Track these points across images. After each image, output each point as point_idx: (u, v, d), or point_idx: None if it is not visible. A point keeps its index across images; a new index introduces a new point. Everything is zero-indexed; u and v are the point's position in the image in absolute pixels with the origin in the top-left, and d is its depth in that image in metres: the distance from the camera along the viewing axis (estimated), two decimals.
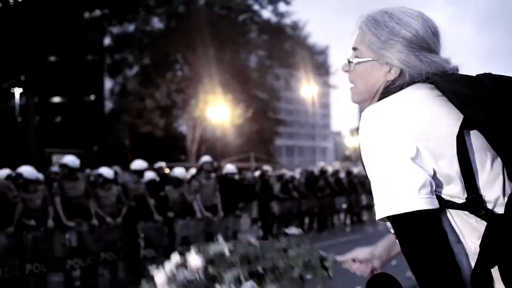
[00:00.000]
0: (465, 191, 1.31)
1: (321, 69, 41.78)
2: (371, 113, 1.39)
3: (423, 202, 1.26)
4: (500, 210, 1.32)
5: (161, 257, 8.95)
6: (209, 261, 1.88)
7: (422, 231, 1.27)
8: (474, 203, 1.31)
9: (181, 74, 36.95)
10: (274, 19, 38.66)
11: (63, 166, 8.97)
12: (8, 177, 9.06)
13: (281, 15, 38.30)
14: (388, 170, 1.30)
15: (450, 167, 1.31)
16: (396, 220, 1.28)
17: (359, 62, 1.53)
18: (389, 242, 1.93)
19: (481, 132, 1.33)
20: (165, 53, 34.75)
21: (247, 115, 35.68)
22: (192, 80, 34.32)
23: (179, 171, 10.58)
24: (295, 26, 39.57)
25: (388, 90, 1.48)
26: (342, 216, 17.49)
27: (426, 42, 1.47)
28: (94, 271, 8.46)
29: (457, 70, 1.49)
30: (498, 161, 1.35)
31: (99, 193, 9.07)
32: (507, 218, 1.28)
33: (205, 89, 32.21)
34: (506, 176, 1.35)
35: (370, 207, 17.62)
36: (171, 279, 1.82)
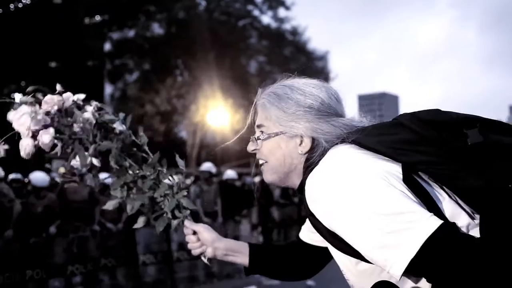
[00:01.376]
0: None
1: (321, 74, 41.82)
2: (321, 174, 1.32)
3: (434, 219, 1.19)
4: (475, 233, 1.27)
5: (160, 263, 8.98)
6: None
7: (459, 240, 1.18)
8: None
9: (181, 80, 36.97)
10: (274, 24, 38.70)
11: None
12: (12, 180, 9.13)
13: (281, 20, 38.35)
14: (385, 203, 1.21)
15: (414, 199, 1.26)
16: (424, 250, 1.15)
17: (266, 138, 1.51)
18: (237, 248, 1.94)
19: (423, 171, 1.31)
20: (165, 58, 34.79)
21: (247, 121, 35.68)
22: (192, 86, 34.34)
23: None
24: (295, 32, 39.60)
25: (310, 161, 1.43)
26: None
27: (333, 108, 1.48)
28: (94, 277, 8.45)
29: (365, 125, 1.47)
30: (450, 193, 1.32)
31: (99, 199, 9.08)
32: (486, 240, 1.22)
33: (205, 95, 32.23)
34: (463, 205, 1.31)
35: None
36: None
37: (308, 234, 1.86)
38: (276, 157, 1.51)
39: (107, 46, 39.16)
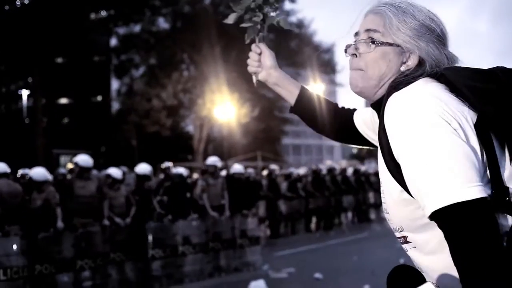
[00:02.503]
0: (491, 185, 1.27)
1: (327, 67, 41.71)
2: (407, 98, 1.33)
3: (479, 189, 1.20)
4: None
5: (169, 257, 9.02)
6: None
7: (484, 222, 1.18)
8: (500, 197, 1.27)
9: (187, 74, 36.98)
10: (279, 17, 38.64)
11: (75, 164, 9.02)
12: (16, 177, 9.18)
13: (286, 13, 38.24)
14: (444, 153, 1.23)
15: (478, 157, 1.26)
16: (451, 210, 1.19)
17: (381, 44, 1.48)
18: (288, 84, 2.02)
19: (497, 127, 1.31)
20: (171, 53, 34.79)
21: (254, 114, 35.66)
22: (199, 80, 34.34)
23: (181, 171, 10.61)
24: (300, 24, 39.50)
25: (405, 79, 1.44)
26: (349, 214, 17.46)
27: (446, 38, 1.50)
28: (103, 272, 8.49)
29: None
30: None
31: (108, 193, 9.13)
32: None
33: (212, 89, 32.22)
34: None
35: (377, 205, 17.60)
36: None
37: (361, 121, 1.89)
38: (379, 67, 1.49)
39: (113, 41, 39.24)
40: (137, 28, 36.47)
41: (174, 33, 35.02)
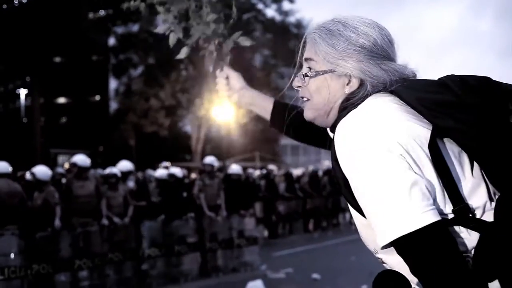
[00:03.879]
0: (450, 203, 1.24)
1: None
2: (351, 126, 1.30)
3: (431, 214, 1.18)
4: (489, 217, 1.26)
5: (165, 256, 9.02)
6: None
7: (438, 245, 1.18)
8: (462, 214, 1.24)
9: (185, 74, 36.97)
10: (278, 17, 38.63)
11: (73, 165, 9.01)
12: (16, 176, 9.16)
13: (285, 13, 38.27)
14: (389, 185, 1.20)
15: (432, 181, 1.24)
16: (405, 240, 1.18)
17: (315, 74, 1.45)
18: (262, 101, 2.01)
19: (453, 139, 1.27)
20: (170, 53, 34.72)
21: (252, 114, 35.68)
22: (197, 80, 34.33)
23: (176, 171, 10.61)
24: (299, 25, 39.50)
25: (349, 102, 1.40)
26: (347, 215, 17.45)
27: (385, 50, 1.42)
28: (101, 272, 8.48)
29: (415, 75, 1.44)
30: (477, 166, 1.29)
31: (106, 193, 9.12)
32: (498, 225, 1.22)
33: (210, 89, 32.20)
34: (488, 181, 1.29)
35: None
36: None
37: None
38: (322, 95, 1.46)
39: (112, 41, 39.19)
40: (135, 27, 36.45)
41: None
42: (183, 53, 2.08)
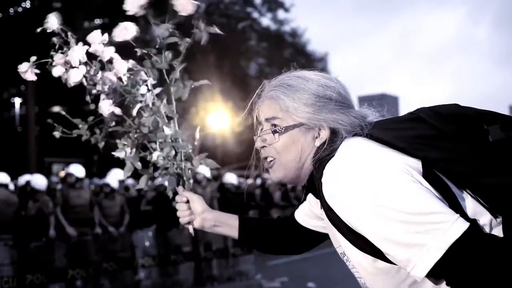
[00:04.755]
0: None
1: None
2: (344, 169, 1.27)
3: (460, 222, 1.16)
4: (497, 232, 1.26)
5: (158, 266, 8.97)
6: None
7: (481, 246, 1.15)
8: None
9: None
10: (273, 26, 38.79)
11: (69, 175, 8.99)
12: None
13: (280, 22, 38.44)
14: (415, 205, 1.16)
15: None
16: (447, 255, 1.13)
17: (285, 130, 1.43)
18: (226, 220, 1.92)
19: (442, 168, 1.27)
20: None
21: (247, 123, 35.69)
22: (192, 88, 34.35)
23: None
24: (294, 33, 39.68)
25: (324, 153, 1.38)
26: None
27: (348, 100, 1.45)
28: (95, 281, 8.43)
29: (379, 118, 1.45)
30: None
31: (103, 202, 9.09)
32: (509, 240, 1.21)
33: (205, 97, 32.22)
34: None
35: None
36: None
37: (304, 217, 1.82)
38: (291, 151, 1.44)
39: None
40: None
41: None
42: (143, 182, 2.07)
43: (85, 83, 2.02)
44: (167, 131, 1.97)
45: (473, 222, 1.19)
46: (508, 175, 1.24)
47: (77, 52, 1.81)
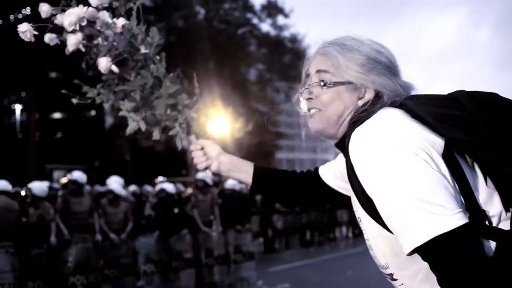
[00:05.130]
0: (467, 210, 1.25)
1: None
2: (370, 134, 1.32)
3: (460, 216, 1.19)
4: (505, 226, 1.27)
5: (160, 272, 8.95)
6: None
7: (468, 247, 1.18)
8: (478, 222, 1.25)
9: (181, 88, 37.04)
10: (273, 32, 38.82)
11: (72, 182, 8.97)
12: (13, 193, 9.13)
13: (280, 28, 38.46)
14: (416, 187, 1.20)
15: (449, 184, 1.24)
16: (434, 243, 1.18)
17: (333, 85, 1.48)
18: (241, 165, 1.97)
19: (465, 151, 1.30)
20: (165, 67, 34.79)
21: (248, 129, 35.70)
22: (192, 95, 34.36)
23: (169, 187, 10.54)
24: (294, 39, 39.68)
25: (362, 114, 1.43)
26: (344, 229, 17.41)
27: (396, 67, 1.50)
28: None
29: (417, 91, 1.50)
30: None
31: (107, 209, 9.06)
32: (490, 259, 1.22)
33: (205, 103, 32.24)
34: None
35: None
36: None
37: (329, 176, 1.86)
38: (336, 106, 1.49)
39: None
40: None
41: (168, 47, 34.96)
42: (156, 135, 2.17)
43: (82, 49, 2.07)
44: (169, 84, 1.98)
45: (470, 224, 1.21)
46: None
47: (70, 15, 1.81)
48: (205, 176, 10.77)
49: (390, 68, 1.47)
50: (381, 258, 1.44)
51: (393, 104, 1.42)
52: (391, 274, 1.42)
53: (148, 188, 13.77)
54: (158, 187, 10.79)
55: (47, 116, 39.84)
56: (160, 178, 12.91)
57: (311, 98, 1.54)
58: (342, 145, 1.49)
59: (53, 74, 37.81)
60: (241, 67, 37.96)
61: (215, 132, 29.87)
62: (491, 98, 1.34)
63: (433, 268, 1.21)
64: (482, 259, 1.18)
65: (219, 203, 10.45)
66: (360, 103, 1.47)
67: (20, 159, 29.80)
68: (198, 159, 2.04)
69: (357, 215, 1.50)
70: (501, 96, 1.36)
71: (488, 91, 1.37)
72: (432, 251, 1.19)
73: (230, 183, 11.69)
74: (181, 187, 14.21)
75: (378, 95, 1.46)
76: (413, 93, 1.49)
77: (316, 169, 1.93)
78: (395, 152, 1.24)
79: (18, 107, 33.72)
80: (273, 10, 37.56)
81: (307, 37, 40.10)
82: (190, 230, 9.83)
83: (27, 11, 29.87)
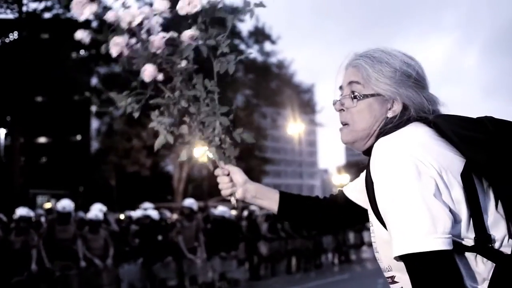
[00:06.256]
0: (474, 232, 1.31)
1: (308, 107, 42.11)
2: (390, 144, 1.38)
3: (441, 242, 1.24)
4: (506, 250, 1.33)
5: None
6: None
7: (439, 272, 1.23)
8: (482, 244, 1.30)
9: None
10: (260, 58, 39.11)
11: (60, 210, 8.83)
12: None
13: (267, 54, 38.77)
14: (414, 203, 1.27)
15: (459, 207, 1.31)
16: (412, 258, 1.25)
17: (364, 97, 1.52)
18: (266, 192, 1.95)
19: (483, 173, 1.35)
20: (150, 97, 34.83)
21: (234, 154, 35.71)
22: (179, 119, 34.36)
23: (153, 213, 10.47)
24: (281, 65, 40.01)
25: (390, 126, 1.48)
26: (330, 255, 17.32)
27: (424, 80, 1.54)
28: None
29: (444, 106, 1.54)
30: (500, 203, 1.37)
31: (87, 235, 8.96)
32: None
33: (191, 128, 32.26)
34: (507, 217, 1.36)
35: (358, 246, 17.50)
36: None
37: (353, 192, 1.88)
38: (366, 118, 1.53)
39: (94, 81, 39.23)
40: (118, 67, 36.58)
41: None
42: (184, 156, 2.10)
43: (125, 53, 1.95)
44: (207, 105, 1.98)
45: (483, 235, 1.29)
46: None
47: (129, 13, 1.77)
48: (192, 203, 10.71)
49: (418, 81, 1.51)
50: (385, 260, 1.49)
51: (423, 120, 1.48)
52: (392, 277, 1.47)
53: (132, 214, 13.66)
54: (139, 214, 10.70)
55: (31, 141, 39.58)
56: (146, 204, 12.79)
57: (342, 110, 1.58)
58: (369, 152, 1.54)
59: (38, 98, 37.69)
60: (228, 93, 38.12)
61: (202, 157, 29.82)
62: None
63: (410, 280, 1.27)
64: (453, 286, 1.24)
65: (205, 229, 10.38)
66: (390, 114, 1.52)
67: (3, 184, 29.45)
68: (224, 185, 2.01)
69: (370, 222, 1.56)
70: None
71: None
72: (410, 264, 1.26)
73: (220, 210, 11.62)
74: (167, 212, 14.08)
75: (405, 108, 1.50)
76: (440, 106, 1.53)
77: (341, 190, 1.97)
78: (401, 167, 1.30)
79: (2, 131, 33.48)
80: (260, 36, 37.90)
81: (294, 63, 40.34)
82: (175, 257, 9.72)
83: (15, 35, 29.86)
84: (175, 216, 17.42)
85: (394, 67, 1.50)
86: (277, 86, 39.43)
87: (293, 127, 40.64)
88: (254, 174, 43.62)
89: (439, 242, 1.23)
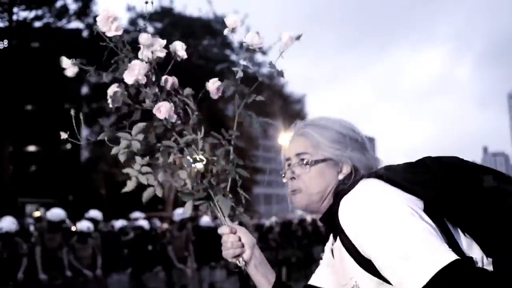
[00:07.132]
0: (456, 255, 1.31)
1: (298, 117, 42.20)
2: (357, 200, 1.43)
3: (452, 252, 1.27)
4: (489, 268, 1.35)
5: None
6: None
7: (471, 275, 1.24)
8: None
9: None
10: (251, 69, 39.26)
11: (49, 221, 8.77)
12: None
13: (258, 65, 38.88)
14: (413, 231, 1.31)
15: (437, 233, 1.34)
16: (439, 278, 1.23)
17: (314, 163, 1.60)
18: (266, 268, 1.89)
19: (438, 209, 1.41)
20: (143, 102, 34.80)
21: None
22: (169, 129, 34.34)
23: (143, 223, 10.44)
24: (271, 76, 40.13)
25: (343, 187, 1.55)
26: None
27: (365, 143, 1.66)
28: None
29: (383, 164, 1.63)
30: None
31: (75, 245, 8.90)
32: (500, 276, 1.30)
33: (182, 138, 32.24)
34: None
35: None
36: None
37: (321, 278, 1.91)
38: (319, 182, 1.60)
39: (85, 90, 39.10)
40: (109, 76, 36.51)
41: None
42: (188, 209, 1.88)
43: (141, 81, 1.91)
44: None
45: (465, 257, 1.35)
46: (499, 219, 1.38)
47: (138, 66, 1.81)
48: (184, 214, 10.67)
49: (362, 144, 1.64)
50: None
51: (370, 175, 1.53)
52: None
53: (121, 223, 13.57)
54: (124, 223, 10.66)
55: (21, 149, 39.32)
56: (136, 214, 12.74)
57: (294, 178, 1.64)
58: (327, 218, 1.60)
59: (28, 107, 37.50)
60: (219, 103, 38.14)
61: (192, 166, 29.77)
62: (454, 161, 1.50)
63: None
64: (492, 276, 1.27)
65: (193, 239, 10.36)
66: (341, 177, 1.60)
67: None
68: (232, 244, 1.82)
69: (350, 283, 1.53)
70: (462, 159, 1.52)
71: (450, 155, 1.53)
72: (441, 285, 1.23)
73: (205, 220, 11.59)
74: (157, 222, 14.03)
75: (354, 169, 1.60)
76: (381, 165, 1.61)
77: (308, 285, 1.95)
78: (388, 206, 1.37)
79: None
80: (251, 47, 38.08)
81: (285, 73, 40.62)
82: (164, 266, 9.68)
83: (5, 43, 29.75)
84: (165, 225, 17.35)
85: (340, 133, 1.61)
86: (267, 97, 39.56)
87: (284, 137, 40.77)
88: (244, 183, 43.51)
89: (452, 253, 1.27)
